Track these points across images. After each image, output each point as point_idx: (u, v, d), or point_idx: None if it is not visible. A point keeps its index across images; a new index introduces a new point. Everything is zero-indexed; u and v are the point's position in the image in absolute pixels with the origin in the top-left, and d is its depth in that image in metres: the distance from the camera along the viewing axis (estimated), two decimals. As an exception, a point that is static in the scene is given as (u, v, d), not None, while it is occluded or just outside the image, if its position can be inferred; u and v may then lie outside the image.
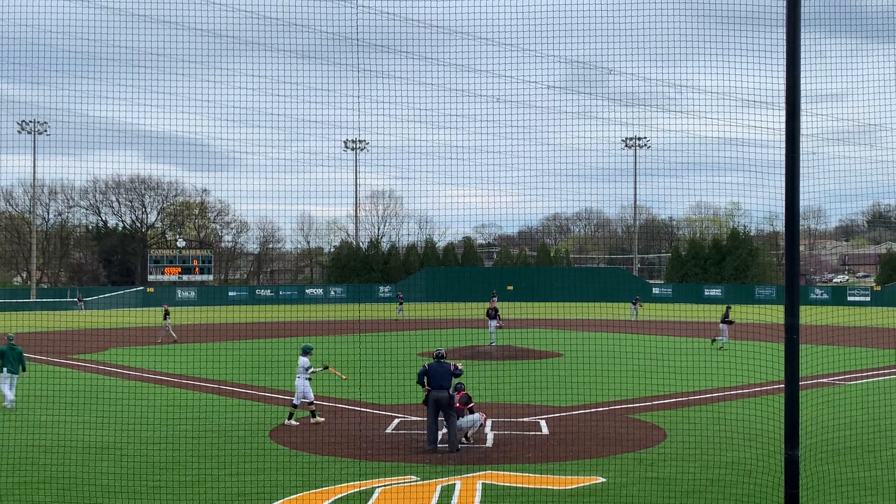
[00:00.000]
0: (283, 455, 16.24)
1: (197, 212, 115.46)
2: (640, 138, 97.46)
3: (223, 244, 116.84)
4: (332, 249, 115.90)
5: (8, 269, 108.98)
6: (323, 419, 19.64)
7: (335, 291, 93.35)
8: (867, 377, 27.48)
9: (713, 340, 39.05)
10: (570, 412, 20.68)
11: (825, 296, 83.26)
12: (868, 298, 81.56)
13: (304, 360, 19.73)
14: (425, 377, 16.96)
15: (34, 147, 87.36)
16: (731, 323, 38.73)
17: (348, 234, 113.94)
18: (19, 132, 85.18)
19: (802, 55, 11.01)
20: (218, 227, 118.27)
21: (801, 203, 11.08)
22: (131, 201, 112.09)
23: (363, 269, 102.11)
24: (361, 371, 21.89)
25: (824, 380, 25.64)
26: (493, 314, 39.75)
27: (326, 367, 20.34)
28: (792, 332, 10.86)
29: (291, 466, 15.09)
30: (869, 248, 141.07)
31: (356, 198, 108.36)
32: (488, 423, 18.68)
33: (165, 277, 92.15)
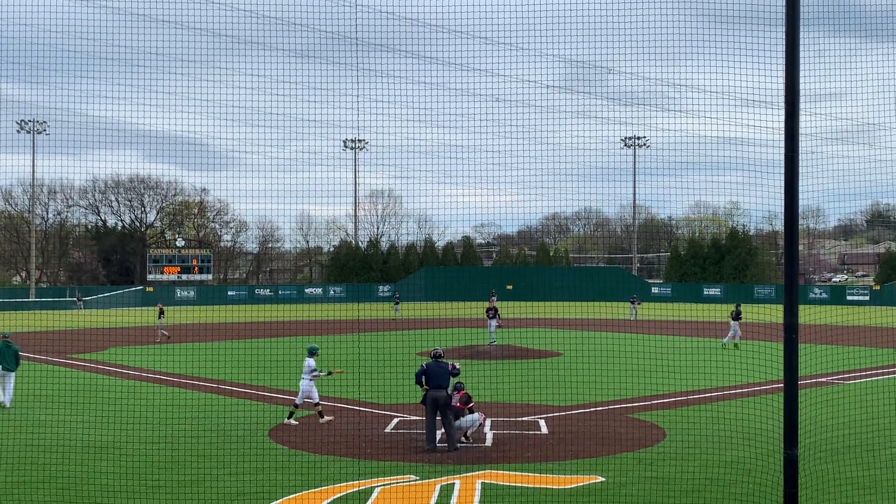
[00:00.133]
0: (282, 454, 16.24)
1: (196, 211, 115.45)
2: (639, 137, 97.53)
3: (222, 243, 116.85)
4: (332, 249, 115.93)
5: (7, 268, 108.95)
6: (331, 418, 19.62)
7: (334, 291, 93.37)
8: (866, 376, 27.50)
9: (731, 342, 38.50)
10: (569, 411, 20.69)
11: (824, 295, 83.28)
12: (867, 298, 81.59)
13: (309, 362, 19.68)
14: (423, 377, 16.96)
15: (33, 146, 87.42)
16: (738, 317, 38.43)
17: (347, 234, 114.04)
18: (18, 132, 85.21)
19: (802, 54, 11.02)
20: (217, 226, 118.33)
21: (801, 202, 11.09)
22: (130, 201, 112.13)
23: (362, 268, 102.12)
24: (360, 370, 21.89)
25: (823, 379, 25.65)
26: (492, 313, 39.75)
27: (330, 373, 20.28)
28: (791, 332, 10.86)
29: (290, 466, 15.09)
30: (868, 247, 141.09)
31: (355, 197, 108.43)
32: (487, 422, 18.68)
33: (165, 277, 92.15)
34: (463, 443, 16.91)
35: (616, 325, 44.44)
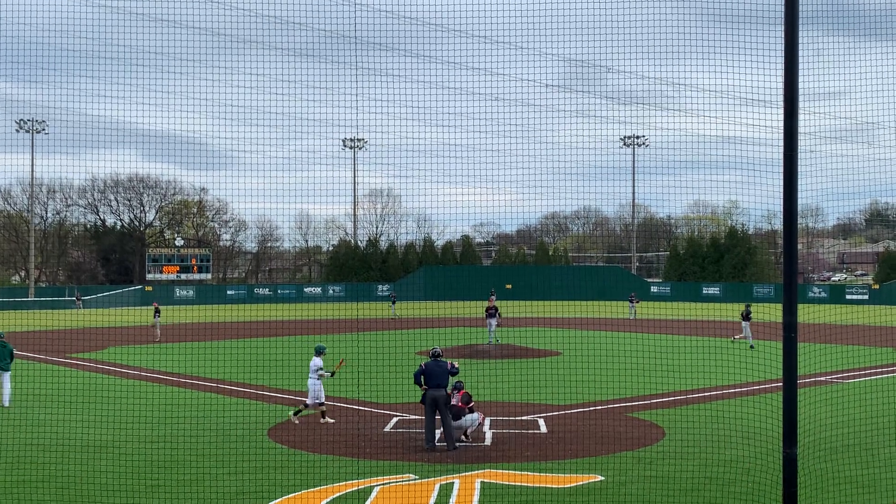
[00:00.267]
0: (281, 454, 16.24)
1: (195, 210, 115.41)
2: (638, 137, 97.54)
3: (221, 243, 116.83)
4: (331, 248, 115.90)
5: (6, 267, 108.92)
6: (333, 421, 19.56)
7: (333, 290, 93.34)
8: (865, 375, 27.51)
9: (736, 340, 38.34)
10: (568, 410, 20.69)
11: (823, 294, 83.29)
12: (866, 297, 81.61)
13: (316, 361, 19.63)
14: (422, 377, 16.96)
15: (32, 146, 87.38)
16: (748, 317, 38.29)
17: (346, 233, 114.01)
18: (17, 131, 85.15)
19: (801, 53, 11.02)
20: (216, 225, 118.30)
21: (799, 201, 11.09)
22: (129, 200, 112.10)
23: (361, 267, 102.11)
24: (360, 370, 21.88)
25: (822, 378, 25.65)
26: (492, 312, 39.74)
27: (333, 374, 20.23)
28: (790, 331, 10.86)
29: (289, 465, 15.09)
30: (867, 246, 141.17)
31: (354, 196, 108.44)
32: (487, 421, 18.70)
33: (164, 276, 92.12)
34: (462, 442, 16.91)
35: (615, 324, 44.44)
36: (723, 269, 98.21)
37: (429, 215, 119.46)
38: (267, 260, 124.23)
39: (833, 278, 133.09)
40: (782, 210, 11.09)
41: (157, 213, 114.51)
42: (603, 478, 14.11)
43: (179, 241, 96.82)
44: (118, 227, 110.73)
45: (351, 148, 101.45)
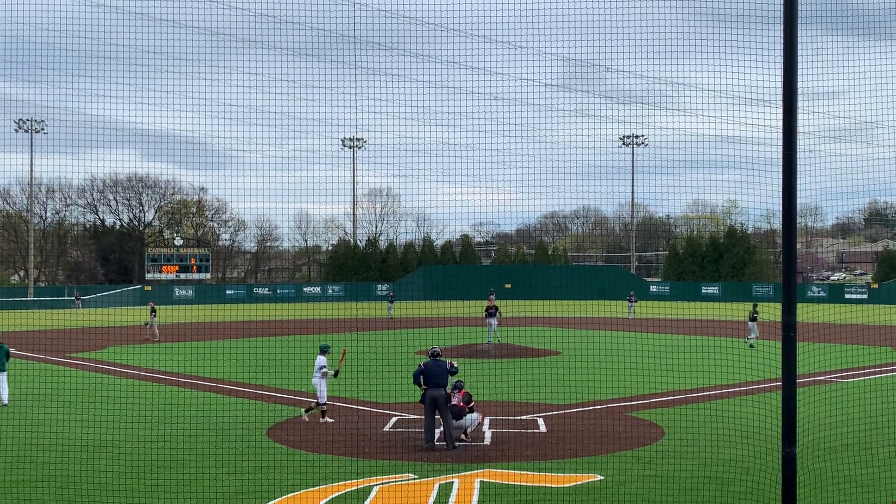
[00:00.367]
0: (280, 453, 16.25)
1: (194, 210, 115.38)
2: (637, 136, 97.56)
3: (221, 242, 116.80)
4: (330, 247, 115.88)
5: (6, 267, 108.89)
6: (332, 420, 19.54)
7: (333, 290, 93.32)
8: (864, 375, 27.53)
9: (746, 340, 38.22)
10: (567, 410, 20.70)
11: (822, 293, 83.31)
12: (865, 296, 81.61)
13: (320, 360, 19.63)
14: (421, 376, 16.96)
15: (31, 145, 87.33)
16: (755, 318, 38.21)
17: (346, 233, 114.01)
18: (16, 130, 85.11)
19: (799, 53, 11.02)
20: (215, 225, 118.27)
21: (798, 201, 11.10)
22: (129, 199, 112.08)
23: (361, 267, 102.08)
24: (359, 370, 21.88)
25: (821, 377, 25.67)
26: (492, 312, 39.73)
27: (336, 374, 20.16)
28: (789, 330, 10.87)
29: (289, 465, 15.10)
30: (866, 245, 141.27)
31: (353, 196, 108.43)
32: (486, 421, 18.72)
33: (163, 276, 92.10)
34: (462, 441, 16.92)
35: (614, 323, 44.46)
36: (722, 269, 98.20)
37: (428, 215, 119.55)
38: (266, 259, 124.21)
39: (832, 277, 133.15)
40: (781, 209, 11.10)
41: (156, 212, 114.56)
42: (602, 477, 14.12)
43: (179, 241, 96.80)
44: (117, 227, 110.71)
45: (350, 147, 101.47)
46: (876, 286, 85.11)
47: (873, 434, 17.33)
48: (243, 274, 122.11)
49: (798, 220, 11.51)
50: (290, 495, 13.14)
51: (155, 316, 43.58)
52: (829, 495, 12.78)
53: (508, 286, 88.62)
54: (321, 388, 19.44)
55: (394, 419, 19.60)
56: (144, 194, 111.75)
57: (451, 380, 17.34)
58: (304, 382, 24.15)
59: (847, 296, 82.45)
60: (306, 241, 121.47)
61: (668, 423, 19.07)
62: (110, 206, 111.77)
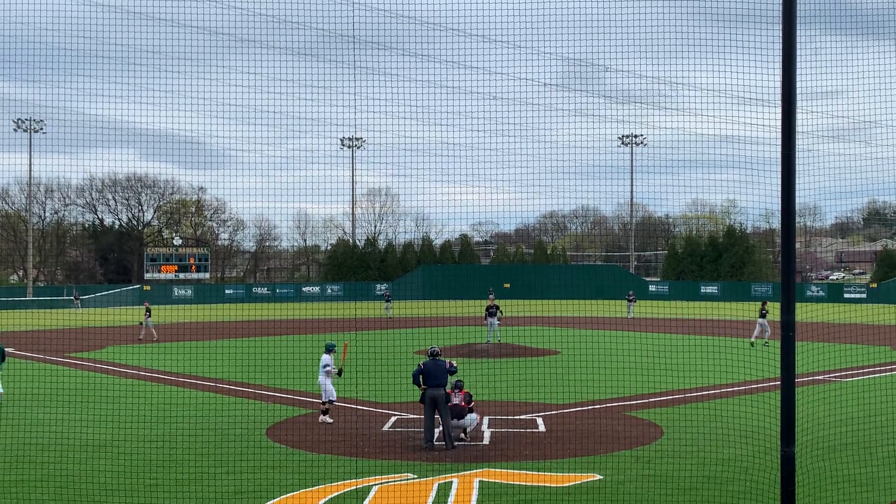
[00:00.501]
0: (279, 453, 16.24)
1: (193, 210, 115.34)
2: (636, 136, 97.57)
3: (220, 242, 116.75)
4: (329, 247, 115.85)
5: (4, 267, 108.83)
6: (332, 421, 19.51)
7: (332, 289, 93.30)
8: (863, 374, 27.54)
9: (757, 341, 38.02)
10: (566, 409, 20.70)
11: (821, 293, 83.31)
12: (864, 295, 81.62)
13: (325, 358, 19.60)
14: (420, 376, 16.97)
15: (30, 145, 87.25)
16: (765, 315, 38.08)
17: (345, 232, 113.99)
18: (15, 130, 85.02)
19: (798, 52, 11.02)
20: (214, 224, 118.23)
21: (797, 200, 11.10)
22: (128, 199, 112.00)
23: (360, 266, 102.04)
24: (358, 369, 21.88)
25: (820, 377, 25.68)
26: (493, 311, 39.71)
27: (341, 372, 20.11)
28: (788, 330, 10.87)
29: (288, 464, 15.10)
30: (865, 245, 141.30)
31: (353, 195, 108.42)
32: (485, 420, 18.73)
33: (162, 275, 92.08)
34: (461, 441, 16.92)
35: (613, 323, 44.47)
36: (721, 268, 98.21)
37: (427, 214, 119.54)
38: (265, 259, 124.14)
39: (831, 277, 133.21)
40: (780, 209, 11.10)
41: (155, 212, 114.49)
42: (601, 477, 14.12)
43: (178, 241, 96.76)
44: (116, 227, 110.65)
45: (349, 147, 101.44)
46: (875, 286, 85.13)
47: (872, 433, 17.34)
48: (242, 274, 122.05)
49: (797, 219, 11.52)
50: (288, 495, 13.14)
51: (149, 316, 43.28)
52: (828, 494, 12.79)
53: (507, 286, 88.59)
54: (326, 386, 19.41)
55: (393, 419, 19.60)
56: (143, 194, 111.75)
57: (451, 379, 17.35)
58: (304, 382, 24.15)
59: (846, 295, 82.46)
60: (305, 240, 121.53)
61: (667, 422, 19.08)
62: (109, 205, 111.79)
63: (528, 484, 13.82)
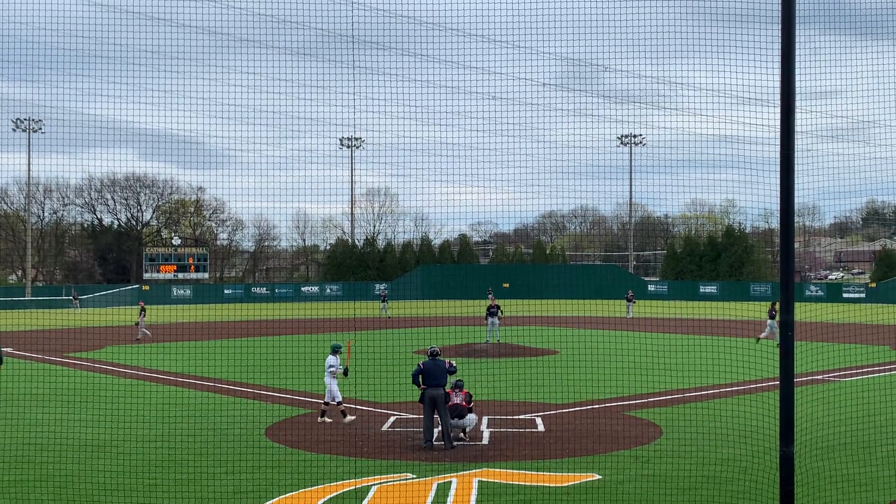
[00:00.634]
0: (278, 453, 16.24)
1: (192, 209, 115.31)
2: (635, 135, 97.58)
3: (219, 242, 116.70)
4: (328, 247, 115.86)
5: (3, 267, 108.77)
6: (330, 420, 19.50)
7: (331, 289, 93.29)
8: (862, 374, 27.55)
9: (763, 341, 37.88)
10: (565, 409, 20.71)
11: (820, 293, 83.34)
12: (863, 295, 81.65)
13: (330, 359, 19.60)
14: (420, 376, 16.97)
15: (29, 145, 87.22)
16: (774, 315, 38.08)
17: (344, 232, 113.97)
18: (14, 130, 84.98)
19: (797, 52, 11.02)
20: (213, 224, 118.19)
21: (796, 200, 11.10)
22: (126, 199, 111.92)
23: (359, 266, 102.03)
24: (357, 369, 21.88)
25: (819, 376, 25.69)
26: (493, 311, 39.71)
27: (346, 373, 20.08)
28: (787, 329, 10.88)
29: (287, 464, 15.09)
30: (864, 244, 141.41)
31: (352, 195, 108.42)
32: (484, 420, 18.73)
33: (161, 275, 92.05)
34: (460, 440, 16.93)
35: (612, 322, 44.46)
36: (720, 268, 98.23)
37: (426, 214, 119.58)
38: (264, 259, 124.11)
39: (830, 277, 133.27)
40: (779, 208, 11.10)
41: (154, 212, 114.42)
42: (600, 476, 14.12)
43: (176, 241, 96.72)
44: (115, 227, 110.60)
45: (348, 147, 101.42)
46: (874, 285, 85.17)
47: (871, 433, 17.34)
48: (241, 273, 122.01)
49: (796, 219, 11.52)
50: (288, 495, 13.13)
51: (144, 316, 43.10)
52: (827, 494, 12.79)
53: (506, 286, 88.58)
54: (331, 386, 19.39)
55: (392, 419, 19.60)
56: (142, 194, 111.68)
57: (450, 379, 17.35)
58: (303, 382, 24.17)
59: (845, 295, 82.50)
60: (304, 240, 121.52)
61: (666, 422, 19.08)
62: (108, 205, 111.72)
63: (527, 484, 13.82)
